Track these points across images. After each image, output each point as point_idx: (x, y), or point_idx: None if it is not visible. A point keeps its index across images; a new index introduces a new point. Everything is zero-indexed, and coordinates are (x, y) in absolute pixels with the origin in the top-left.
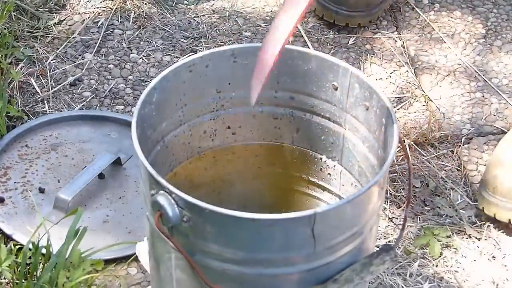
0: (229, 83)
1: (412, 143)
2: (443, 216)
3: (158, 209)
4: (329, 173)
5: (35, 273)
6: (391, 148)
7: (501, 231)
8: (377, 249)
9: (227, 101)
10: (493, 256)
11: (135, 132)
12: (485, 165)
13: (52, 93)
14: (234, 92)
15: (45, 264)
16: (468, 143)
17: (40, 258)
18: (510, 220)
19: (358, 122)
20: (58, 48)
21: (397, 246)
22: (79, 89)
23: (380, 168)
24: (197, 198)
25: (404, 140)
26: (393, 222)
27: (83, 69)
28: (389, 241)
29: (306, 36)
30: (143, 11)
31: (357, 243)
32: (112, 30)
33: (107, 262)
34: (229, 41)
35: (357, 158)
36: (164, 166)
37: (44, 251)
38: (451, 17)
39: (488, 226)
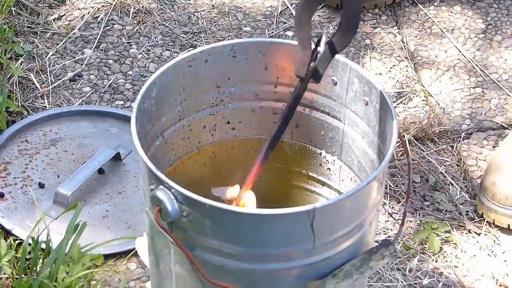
0: (229, 78)
1: (411, 138)
2: (443, 211)
3: (157, 204)
4: (328, 168)
5: (34, 268)
6: (390, 143)
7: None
8: (377, 244)
9: (226, 96)
10: (493, 251)
11: (134, 127)
12: (485, 161)
13: (52, 89)
14: (233, 87)
15: (45, 259)
16: (468, 138)
17: (39, 253)
18: (509, 225)
19: (358, 117)
20: (58, 44)
21: (396, 241)
22: (79, 84)
23: (380, 163)
24: (196, 193)
25: (403, 135)
26: (392, 217)
27: (82, 65)
28: (389, 236)
29: None
30: (142, 6)
31: (356, 238)
32: (111, 25)
33: (107, 257)
34: (228, 36)
35: (356, 153)
36: (164, 161)
37: (43, 246)
38: (451, 12)
39: (488, 221)
